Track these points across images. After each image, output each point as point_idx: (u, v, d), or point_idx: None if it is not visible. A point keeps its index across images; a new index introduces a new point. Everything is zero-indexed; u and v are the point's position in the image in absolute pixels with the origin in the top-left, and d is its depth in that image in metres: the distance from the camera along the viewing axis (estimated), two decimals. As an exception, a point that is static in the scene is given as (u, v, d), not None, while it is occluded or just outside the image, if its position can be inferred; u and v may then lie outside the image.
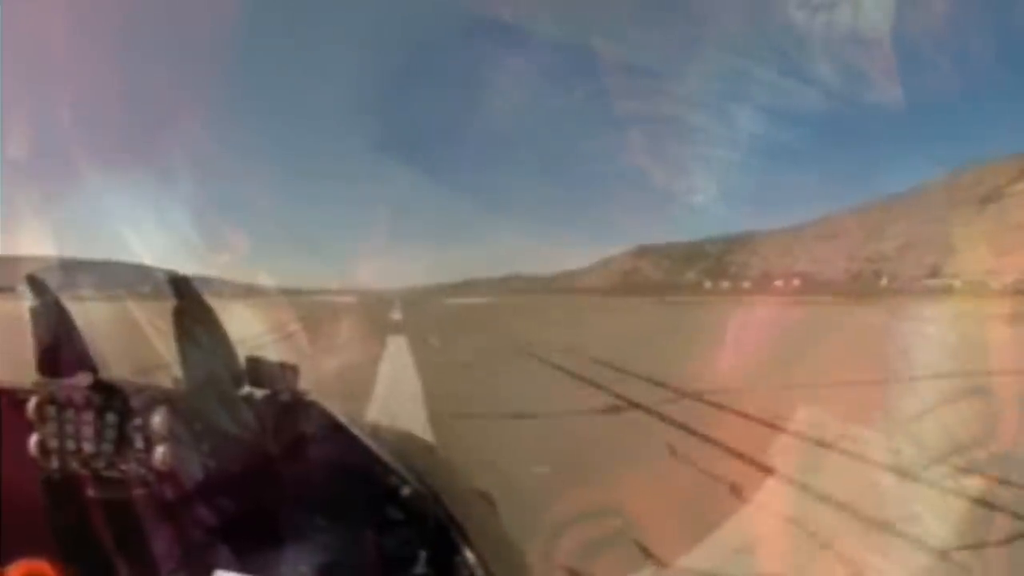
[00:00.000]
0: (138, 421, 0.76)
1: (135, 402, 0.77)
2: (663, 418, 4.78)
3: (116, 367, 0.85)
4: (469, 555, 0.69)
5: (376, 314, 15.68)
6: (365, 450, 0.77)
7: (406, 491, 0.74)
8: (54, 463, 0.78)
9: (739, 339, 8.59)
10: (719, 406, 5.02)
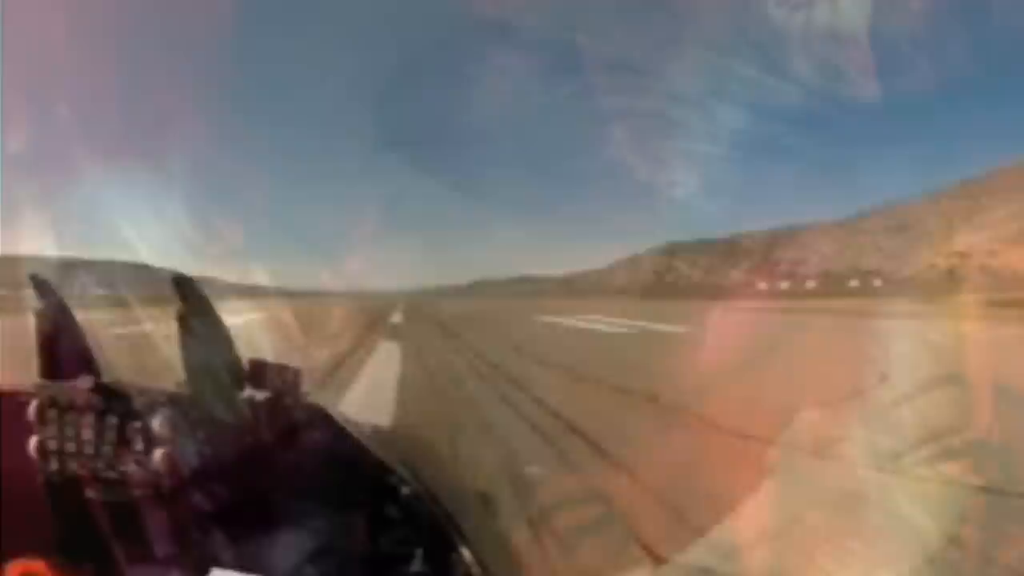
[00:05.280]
0: (139, 423, 0.82)
1: (137, 404, 0.83)
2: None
3: (118, 369, 0.91)
4: (466, 554, 0.75)
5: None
6: (364, 450, 0.83)
7: (404, 490, 0.80)
8: (53, 464, 0.84)
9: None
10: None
